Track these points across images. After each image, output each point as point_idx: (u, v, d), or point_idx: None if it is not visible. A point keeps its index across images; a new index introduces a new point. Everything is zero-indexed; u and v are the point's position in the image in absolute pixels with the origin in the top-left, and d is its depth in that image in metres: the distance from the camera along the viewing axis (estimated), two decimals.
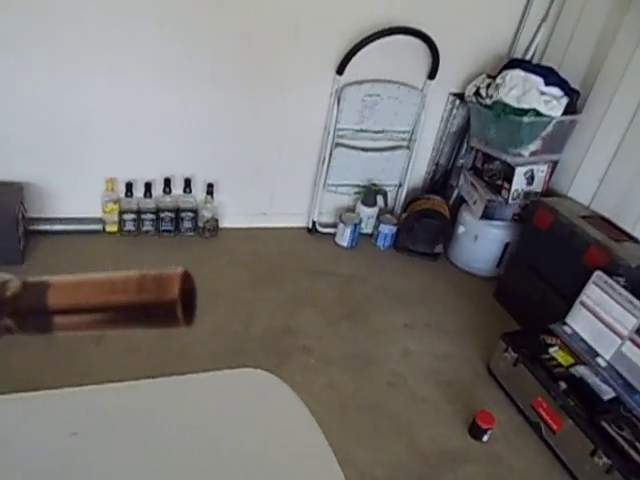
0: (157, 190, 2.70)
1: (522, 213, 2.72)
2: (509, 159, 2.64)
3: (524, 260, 2.61)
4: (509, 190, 2.66)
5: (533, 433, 2.06)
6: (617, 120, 2.43)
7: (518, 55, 2.83)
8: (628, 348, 2.00)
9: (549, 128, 2.52)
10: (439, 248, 2.98)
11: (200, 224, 2.79)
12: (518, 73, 2.50)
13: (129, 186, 2.64)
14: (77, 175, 2.60)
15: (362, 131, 2.85)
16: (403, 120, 2.87)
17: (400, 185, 3.07)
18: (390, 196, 3.06)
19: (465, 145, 2.96)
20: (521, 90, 2.46)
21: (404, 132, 2.92)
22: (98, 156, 2.59)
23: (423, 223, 2.91)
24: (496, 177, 2.74)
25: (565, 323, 2.21)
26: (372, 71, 2.71)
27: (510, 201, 2.68)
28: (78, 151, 2.54)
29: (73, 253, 2.51)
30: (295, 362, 2.19)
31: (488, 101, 2.60)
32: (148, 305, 0.37)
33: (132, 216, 2.67)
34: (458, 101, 2.89)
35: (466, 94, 2.78)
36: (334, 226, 3.01)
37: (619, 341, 2.03)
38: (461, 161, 3.01)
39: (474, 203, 2.82)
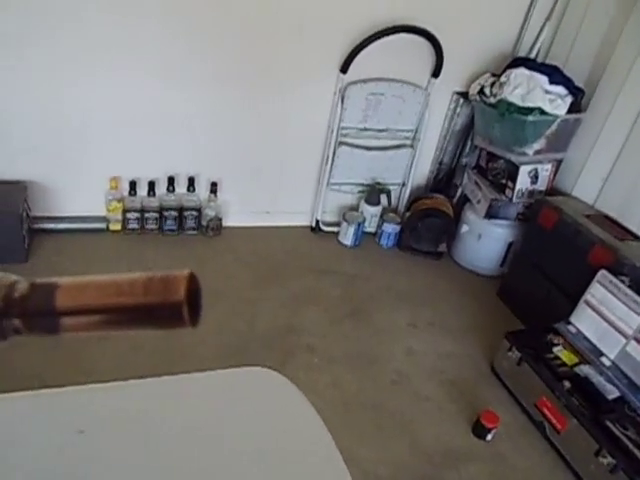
0: (161, 189, 2.70)
1: (526, 212, 2.71)
2: (513, 158, 2.63)
3: (528, 259, 2.60)
4: (513, 189, 2.65)
5: (537, 432, 2.06)
6: (622, 119, 2.42)
7: (522, 53, 2.82)
8: (633, 347, 1.99)
9: (553, 127, 2.51)
10: (443, 247, 2.98)
11: (204, 223, 2.79)
12: (522, 72, 2.49)
13: (133, 185, 2.64)
14: (81, 174, 2.61)
15: (366, 130, 2.84)
16: (407, 119, 2.87)
17: (404, 184, 3.07)
18: (394, 195, 3.06)
19: (469, 144, 2.96)
20: (525, 89, 2.46)
21: (408, 131, 2.92)
22: (102, 155, 2.59)
23: (427, 222, 2.90)
24: (500, 176, 2.74)
25: (569, 322, 2.21)
26: (376, 70, 2.71)
27: (514, 200, 2.67)
28: (82, 150, 2.55)
29: (77, 251, 2.52)
30: (298, 361, 2.19)
31: (492, 100, 2.59)
32: (154, 306, 0.38)
33: (136, 215, 2.68)
34: (462, 100, 2.88)
35: (470, 93, 2.77)
36: (337, 225, 3.01)
37: (624, 340, 2.02)
38: (465, 160, 3.01)
39: (478, 202, 2.82)
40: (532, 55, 2.81)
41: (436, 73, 2.78)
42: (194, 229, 2.79)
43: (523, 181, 2.64)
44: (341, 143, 2.82)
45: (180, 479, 0.71)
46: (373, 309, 2.56)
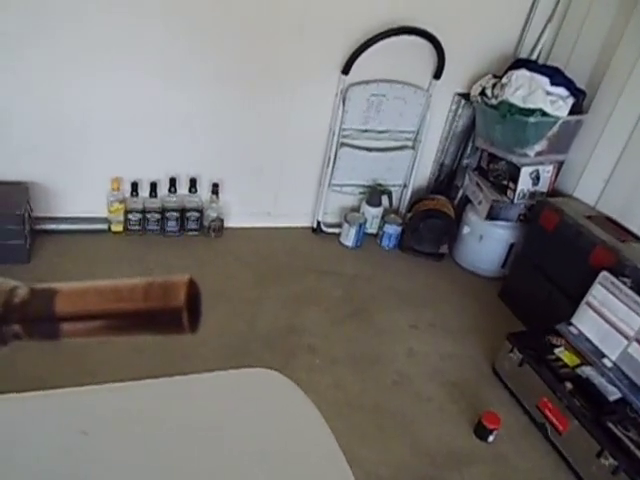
0: (162, 190, 2.71)
1: (527, 213, 2.71)
2: (515, 159, 2.63)
3: (530, 260, 2.60)
4: (514, 190, 2.65)
5: (539, 434, 2.06)
6: (623, 120, 2.42)
7: (524, 55, 2.82)
8: (634, 349, 1.99)
9: (555, 128, 2.51)
10: (444, 248, 2.98)
11: (205, 224, 2.80)
12: (524, 73, 2.49)
13: (134, 186, 2.65)
14: (83, 175, 2.61)
15: (367, 131, 2.84)
16: (408, 120, 2.87)
17: (405, 185, 3.07)
18: (395, 196, 3.06)
19: (470, 145, 2.96)
20: (527, 90, 2.46)
21: (409, 132, 2.92)
22: (103, 156, 2.60)
23: (428, 223, 2.90)
24: (501, 177, 2.74)
25: (571, 324, 2.21)
26: (377, 71, 2.71)
27: (515, 201, 2.67)
28: (82, 150, 2.55)
29: (79, 252, 2.53)
30: (300, 362, 2.19)
31: (494, 101, 2.59)
32: (154, 312, 0.38)
33: (137, 216, 2.68)
34: (463, 101, 2.88)
35: (472, 94, 2.77)
36: (339, 226, 3.01)
37: (625, 342, 2.02)
38: (466, 161, 3.01)
39: (479, 203, 2.81)
40: (533, 57, 2.81)
41: (437, 74, 2.78)
42: (196, 230, 2.80)
43: (524, 182, 2.64)
44: (342, 144, 2.82)
45: None
46: (374, 310, 2.56)
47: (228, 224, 2.87)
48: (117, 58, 2.39)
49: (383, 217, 3.02)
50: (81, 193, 2.64)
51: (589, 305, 2.16)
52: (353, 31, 2.58)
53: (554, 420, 2.00)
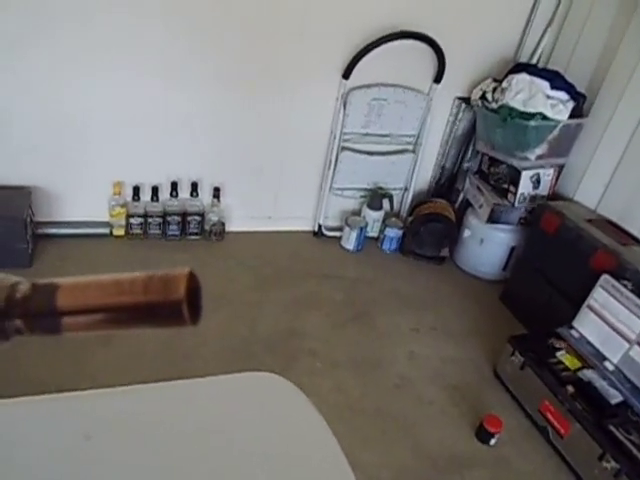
0: (164, 194, 2.71)
1: (528, 217, 2.71)
2: (515, 163, 2.64)
3: (530, 264, 2.60)
4: (515, 194, 2.65)
5: (540, 437, 2.05)
6: (623, 124, 2.42)
7: (524, 59, 2.83)
8: (636, 352, 1.99)
9: (555, 132, 2.52)
10: (445, 252, 2.98)
11: (207, 228, 2.80)
12: (524, 77, 2.50)
13: (136, 190, 2.66)
14: (84, 179, 2.62)
15: (368, 135, 2.85)
16: (409, 124, 2.88)
17: (406, 189, 3.07)
18: (396, 200, 3.07)
19: (471, 149, 2.96)
20: (527, 94, 2.46)
21: (410, 136, 2.92)
22: (105, 160, 2.60)
23: (429, 227, 2.91)
24: (502, 181, 2.74)
25: (572, 327, 2.20)
26: (378, 75, 2.72)
27: (516, 205, 2.67)
28: (84, 152, 2.56)
29: (80, 256, 2.53)
30: (301, 365, 2.19)
31: (494, 105, 2.60)
32: (155, 305, 0.38)
33: (139, 220, 2.69)
34: (464, 105, 2.89)
35: (472, 98, 2.78)
36: (340, 230, 3.01)
37: (627, 345, 2.02)
38: (467, 165, 3.01)
39: (480, 207, 2.82)
40: (534, 60, 2.82)
41: (438, 79, 2.79)
42: (197, 234, 2.80)
43: (525, 186, 2.65)
44: (343, 148, 2.83)
45: None
46: (376, 313, 2.56)
47: (229, 228, 2.87)
48: (117, 58, 2.40)
49: (384, 221, 3.02)
50: (83, 197, 2.65)
51: (590, 308, 2.15)
52: (353, 33, 2.58)
53: (556, 423, 1.99)
